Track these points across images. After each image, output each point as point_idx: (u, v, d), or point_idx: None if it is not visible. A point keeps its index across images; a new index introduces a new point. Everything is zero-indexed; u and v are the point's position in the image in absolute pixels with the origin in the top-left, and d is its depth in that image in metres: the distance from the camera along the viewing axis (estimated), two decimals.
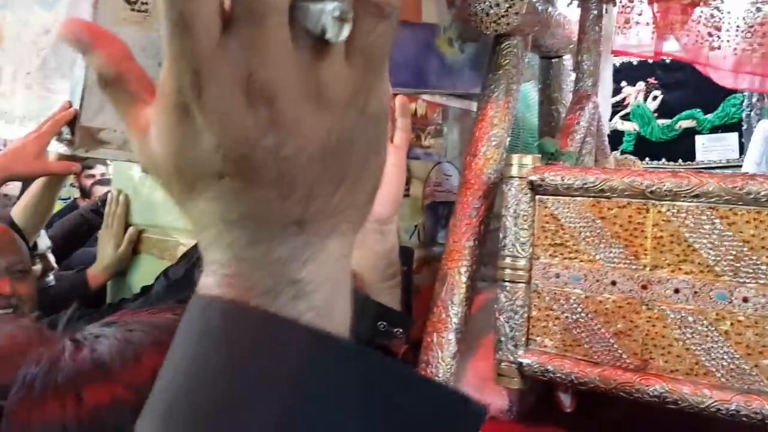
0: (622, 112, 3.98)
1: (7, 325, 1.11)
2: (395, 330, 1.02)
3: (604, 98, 1.57)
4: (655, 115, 3.90)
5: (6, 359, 1.01)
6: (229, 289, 0.33)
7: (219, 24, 0.30)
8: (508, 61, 1.32)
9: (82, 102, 1.32)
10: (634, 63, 3.86)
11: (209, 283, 0.34)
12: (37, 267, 1.70)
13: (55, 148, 1.35)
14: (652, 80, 3.92)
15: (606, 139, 1.60)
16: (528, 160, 1.15)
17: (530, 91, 1.72)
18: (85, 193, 3.80)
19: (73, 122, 1.32)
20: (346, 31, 0.31)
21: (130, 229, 1.74)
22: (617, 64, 3.45)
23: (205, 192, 0.33)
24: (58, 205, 3.39)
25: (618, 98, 3.90)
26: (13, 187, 3.40)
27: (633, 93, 4.00)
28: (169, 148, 0.33)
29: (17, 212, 1.82)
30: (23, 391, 0.58)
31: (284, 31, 0.31)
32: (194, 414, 0.32)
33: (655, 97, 3.92)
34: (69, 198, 3.95)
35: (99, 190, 3.91)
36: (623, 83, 3.98)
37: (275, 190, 0.32)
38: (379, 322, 1.01)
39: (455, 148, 1.50)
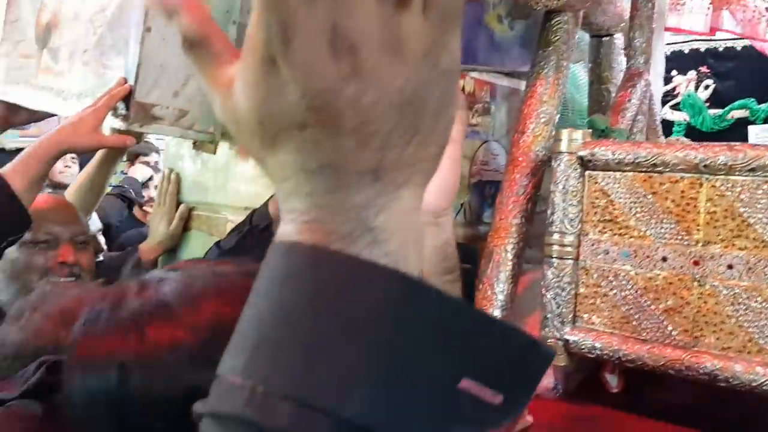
0: (672, 102, 3.89)
1: (74, 290, 1.15)
2: None
3: (656, 77, 1.55)
4: (707, 104, 3.81)
5: (74, 319, 1.05)
6: (309, 235, 0.35)
7: None
8: (558, 37, 1.31)
9: (137, 78, 1.35)
10: (685, 51, 3.78)
11: (289, 230, 0.36)
12: None
13: (111, 123, 1.38)
14: (703, 69, 3.83)
15: (658, 118, 1.58)
16: (578, 135, 1.14)
17: (579, 72, 1.70)
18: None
19: (127, 98, 1.36)
20: None
21: (182, 207, 1.78)
22: (668, 53, 3.38)
23: (286, 143, 0.35)
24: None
25: (668, 87, 3.82)
26: (70, 175, 3.49)
27: (684, 82, 3.91)
28: (254, 101, 0.34)
29: (71, 193, 1.88)
30: (87, 325, 0.61)
31: None
32: (282, 349, 0.34)
33: (706, 87, 3.83)
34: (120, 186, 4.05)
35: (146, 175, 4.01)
36: (674, 72, 3.89)
37: (354, 139, 0.33)
38: None
39: (503, 126, 1.50)
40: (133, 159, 4.12)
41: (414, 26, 0.33)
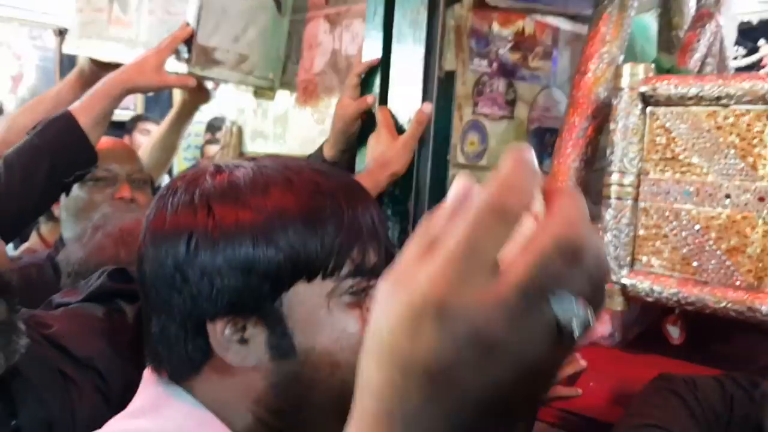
0: (760, 72, 3.71)
1: (133, 213, 1.19)
2: None
3: (729, 20, 1.47)
4: None
5: (133, 239, 1.09)
6: None
7: None
8: None
9: (199, 21, 1.38)
10: None
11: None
12: None
13: (174, 67, 1.41)
14: None
15: (729, 63, 1.51)
16: (639, 69, 1.10)
17: (649, 22, 1.64)
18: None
19: (189, 41, 1.38)
20: (583, 334, 0.32)
21: None
22: (754, 22, 3.22)
23: (423, 387, 0.32)
24: (183, 166, 3.57)
25: (755, 58, 3.64)
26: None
27: None
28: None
29: (144, 155, 1.93)
30: (165, 198, 0.64)
31: None
32: None
33: None
34: (193, 159, 4.13)
35: (212, 150, 4.06)
36: (761, 41, 3.71)
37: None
38: None
39: (564, 72, 1.46)
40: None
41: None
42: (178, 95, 1.98)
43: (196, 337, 0.61)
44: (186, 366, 0.63)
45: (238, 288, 0.59)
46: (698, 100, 1.04)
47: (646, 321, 1.33)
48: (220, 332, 0.60)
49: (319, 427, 0.65)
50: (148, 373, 0.67)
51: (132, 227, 1.10)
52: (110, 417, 0.74)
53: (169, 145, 1.99)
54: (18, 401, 0.73)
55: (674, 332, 1.24)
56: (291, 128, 1.62)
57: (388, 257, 0.67)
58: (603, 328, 1.26)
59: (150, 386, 0.66)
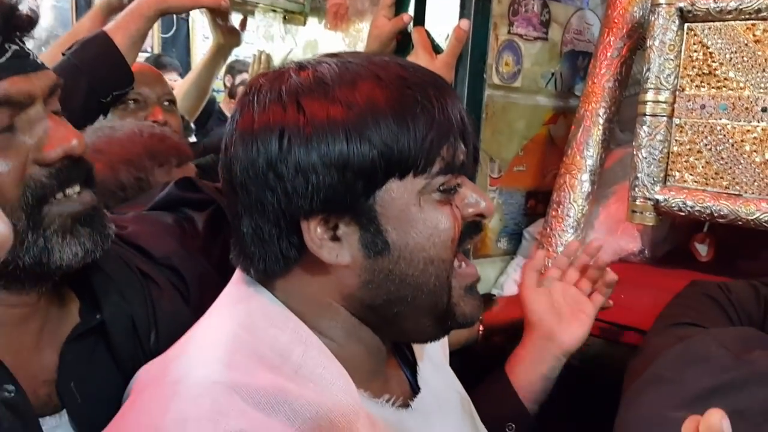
0: None
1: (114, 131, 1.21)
2: None
3: None
4: None
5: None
6: None
7: None
8: None
9: None
10: None
11: None
12: None
13: None
14: None
15: None
16: None
17: None
18: (232, 95, 3.95)
19: None
20: None
21: None
22: None
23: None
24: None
25: None
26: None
27: None
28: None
29: (178, 97, 1.95)
30: (249, 96, 0.64)
31: None
32: None
33: None
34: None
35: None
36: None
37: None
38: None
39: None
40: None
41: None
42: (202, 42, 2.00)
43: (290, 235, 0.62)
44: (278, 265, 0.63)
45: (333, 185, 0.59)
46: (737, 13, 1.04)
47: (674, 239, 1.36)
48: (314, 230, 0.61)
49: (410, 322, 0.66)
50: (237, 274, 0.69)
51: (100, 145, 1.12)
52: (191, 315, 0.77)
53: (202, 87, 2.03)
54: (101, 296, 0.74)
55: (702, 250, 1.27)
56: (321, 52, 1.63)
57: (475, 154, 0.67)
58: (633, 245, 1.29)
59: (238, 284, 0.68)
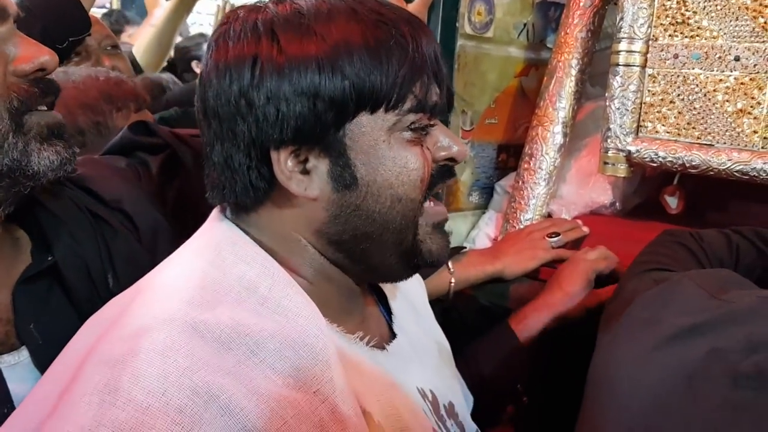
0: None
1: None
2: None
3: None
4: None
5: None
6: None
7: None
8: None
9: None
10: None
11: None
12: None
13: None
14: None
15: None
16: None
17: None
18: None
19: None
20: None
21: None
22: None
23: None
24: None
25: None
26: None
27: None
28: None
29: (139, 51, 1.89)
30: (226, 27, 0.63)
31: None
32: None
33: None
34: None
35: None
36: None
37: None
38: None
39: None
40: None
41: None
42: None
43: (261, 165, 0.62)
44: (248, 196, 0.63)
45: (303, 114, 0.60)
46: None
47: (644, 192, 1.36)
48: (283, 161, 0.61)
49: (376, 259, 0.66)
50: (213, 213, 0.68)
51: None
52: (145, 258, 0.75)
53: (164, 42, 1.95)
54: (52, 237, 0.74)
55: (672, 202, 1.28)
56: None
57: (449, 96, 0.67)
58: (605, 198, 1.29)
59: (210, 222, 0.68)
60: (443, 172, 0.68)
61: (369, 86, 0.60)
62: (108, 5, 4.25)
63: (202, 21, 3.96)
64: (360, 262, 0.67)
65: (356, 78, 0.60)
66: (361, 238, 0.65)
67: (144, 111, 1.21)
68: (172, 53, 2.53)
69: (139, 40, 2.08)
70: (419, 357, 0.76)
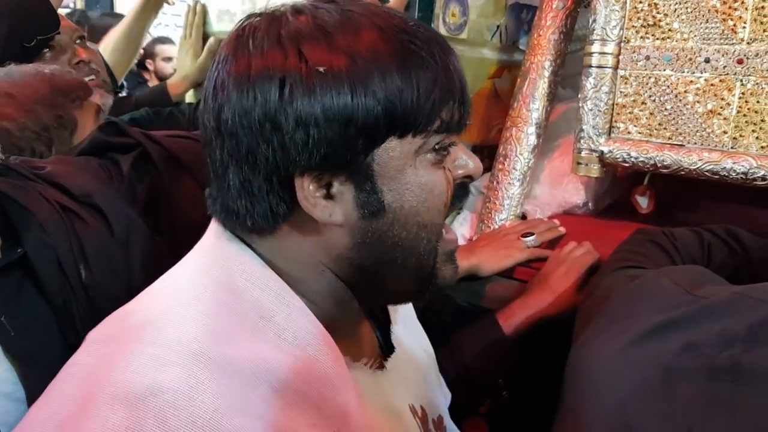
0: None
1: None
2: None
3: None
4: None
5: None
6: None
7: None
8: None
9: None
10: None
11: None
12: None
13: None
14: None
15: None
16: None
17: None
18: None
19: None
20: None
21: (211, 39, 1.76)
22: None
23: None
24: None
25: None
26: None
27: None
28: None
29: (107, 50, 1.85)
30: (243, 38, 0.59)
31: None
32: None
33: None
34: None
35: (161, 49, 3.93)
36: None
37: None
38: None
39: None
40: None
41: None
42: None
43: (282, 191, 0.58)
44: (267, 221, 0.60)
45: (334, 140, 0.56)
46: None
47: (615, 192, 1.38)
48: (307, 187, 0.58)
49: (393, 284, 0.64)
50: (213, 227, 0.64)
51: (6, 89, 1.08)
52: (120, 250, 0.74)
53: (133, 41, 1.90)
54: (21, 230, 0.72)
55: (643, 202, 1.30)
56: (260, 5, 1.58)
57: (467, 116, 0.63)
58: (578, 198, 1.30)
59: (215, 239, 0.63)
60: (459, 190, 0.66)
61: (401, 110, 0.57)
62: (72, 5, 4.20)
63: (168, 21, 3.92)
64: (376, 286, 0.64)
65: (388, 101, 0.56)
66: (384, 264, 0.62)
67: (88, 99, 1.17)
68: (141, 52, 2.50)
69: (107, 39, 2.04)
70: (412, 370, 0.76)
